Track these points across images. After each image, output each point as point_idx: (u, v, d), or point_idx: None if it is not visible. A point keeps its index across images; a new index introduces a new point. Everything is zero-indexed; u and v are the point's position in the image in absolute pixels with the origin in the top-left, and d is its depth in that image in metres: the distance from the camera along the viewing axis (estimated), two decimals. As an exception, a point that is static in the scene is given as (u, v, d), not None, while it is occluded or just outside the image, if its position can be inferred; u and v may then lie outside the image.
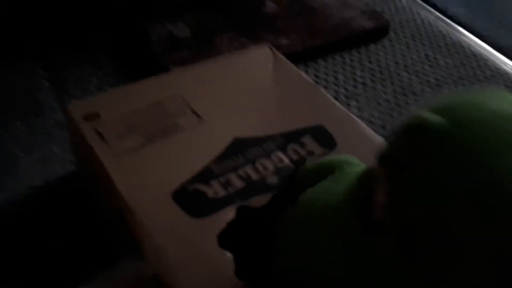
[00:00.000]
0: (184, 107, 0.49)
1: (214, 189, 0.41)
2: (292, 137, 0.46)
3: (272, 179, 0.42)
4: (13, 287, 0.45)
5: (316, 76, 0.75)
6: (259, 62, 0.56)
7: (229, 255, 0.36)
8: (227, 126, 0.47)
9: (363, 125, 0.49)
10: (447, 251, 0.22)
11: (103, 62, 0.72)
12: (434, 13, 0.95)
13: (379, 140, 0.47)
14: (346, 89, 0.75)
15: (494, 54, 0.86)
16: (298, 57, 0.70)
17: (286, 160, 0.43)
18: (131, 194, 0.40)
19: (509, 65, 0.83)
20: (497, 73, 0.80)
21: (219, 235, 0.37)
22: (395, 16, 0.90)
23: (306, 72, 0.74)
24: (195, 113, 0.48)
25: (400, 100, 0.74)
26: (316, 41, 0.77)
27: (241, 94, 0.52)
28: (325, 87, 0.73)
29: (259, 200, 0.39)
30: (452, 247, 0.21)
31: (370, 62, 0.81)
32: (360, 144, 0.45)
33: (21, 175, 0.55)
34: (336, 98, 0.67)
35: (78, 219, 0.50)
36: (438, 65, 0.82)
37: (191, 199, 0.40)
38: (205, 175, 0.42)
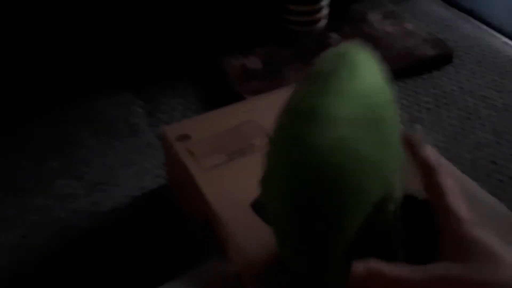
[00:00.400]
0: (259, 130, 0.57)
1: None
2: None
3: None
4: (112, 280, 0.54)
5: (380, 102, 0.79)
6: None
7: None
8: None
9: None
10: None
11: (186, 92, 0.82)
12: (500, 38, 0.96)
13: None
14: (410, 114, 0.78)
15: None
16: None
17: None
18: (217, 203, 0.47)
19: None
20: None
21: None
22: (459, 43, 0.92)
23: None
24: (268, 135, 0.55)
25: (465, 125, 0.76)
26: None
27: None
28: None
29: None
30: None
31: (434, 88, 0.83)
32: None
33: (121, 186, 0.65)
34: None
35: (168, 224, 0.58)
36: (505, 89, 0.82)
37: (265, 208, 0.46)
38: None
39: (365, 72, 0.38)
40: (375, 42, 0.86)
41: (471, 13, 1.00)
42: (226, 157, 0.53)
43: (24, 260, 0.57)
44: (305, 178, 0.35)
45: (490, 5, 0.98)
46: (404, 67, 0.82)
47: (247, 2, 0.99)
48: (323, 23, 0.89)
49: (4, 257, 0.57)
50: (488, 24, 0.98)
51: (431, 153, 0.42)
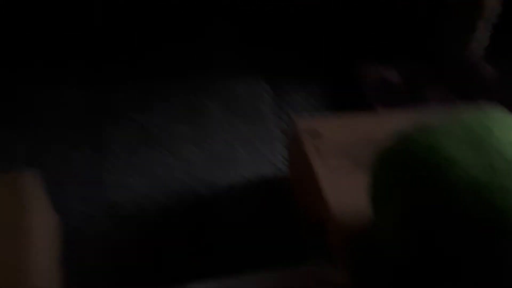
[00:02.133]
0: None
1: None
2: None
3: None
4: (211, 251, 0.56)
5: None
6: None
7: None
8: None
9: None
10: None
11: (315, 91, 0.82)
12: None
13: None
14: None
15: None
16: None
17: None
18: (336, 205, 0.46)
19: None
20: None
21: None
22: None
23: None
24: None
25: None
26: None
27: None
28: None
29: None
30: None
31: None
32: None
33: (239, 166, 0.68)
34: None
35: (277, 215, 0.59)
36: None
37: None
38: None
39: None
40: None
41: None
42: (353, 164, 0.52)
43: (146, 209, 0.62)
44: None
45: None
46: None
47: (395, 16, 0.96)
48: (477, 51, 0.83)
49: (130, 202, 0.63)
50: None
51: None
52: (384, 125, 0.58)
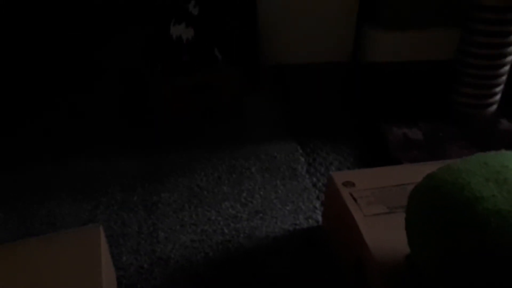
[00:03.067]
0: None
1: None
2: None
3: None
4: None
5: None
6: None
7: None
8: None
9: None
10: None
11: (345, 151, 0.90)
12: None
13: None
14: None
15: None
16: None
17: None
18: (374, 247, 0.51)
19: None
20: None
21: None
22: None
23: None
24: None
25: None
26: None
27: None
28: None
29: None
30: None
31: None
32: None
33: (277, 219, 0.74)
34: None
35: (315, 261, 0.64)
36: None
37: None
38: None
39: None
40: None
41: None
42: (387, 209, 0.57)
43: (194, 260, 0.68)
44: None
45: None
46: None
47: (413, 79, 1.05)
48: (494, 108, 0.89)
49: (179, 256, 0.69)
50: None
51: None
52: (411, 173, 0.64)
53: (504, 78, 0.87)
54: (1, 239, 0.72)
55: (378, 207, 0.57)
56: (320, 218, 0.73)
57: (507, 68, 0.87)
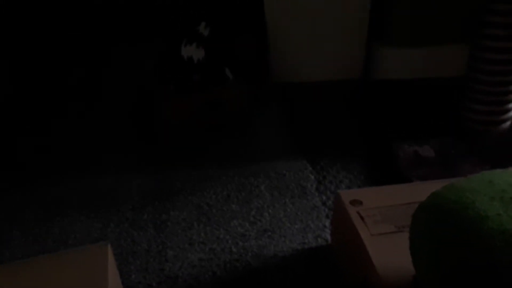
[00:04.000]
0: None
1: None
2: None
3: None
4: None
5: None
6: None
7: None
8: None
9: None
10: None
11: (355, 169, 0.89)
12: None
13: None
14: None
15: None
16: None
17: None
18: (380, 266, 0.50)
19: None
20: None
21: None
22: None
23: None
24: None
25: None
26: None
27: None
28: None
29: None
30: None
31: None
32: None
33: (286, 238, 0.73)
34: None
35: (320, 278, 0.63)
36: None
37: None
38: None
39: None
40: None
41: None
42: (395, 228, 0.56)
43: (202, 279, 0.68)
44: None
45: None
46: None
47: (423, 96, 1.05)
48: (507, 124, 0.88)
49: (188, 274, 0.69)
50: None
51: None
52: (420, 192, 0.63)
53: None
54: (15, 257, 0.74)
55: (386, 226, 0.56)
56: (329, 237, 0.72)
57: (519, 84, 0.86)
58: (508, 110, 0.87)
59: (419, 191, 0.64)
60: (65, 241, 0.76)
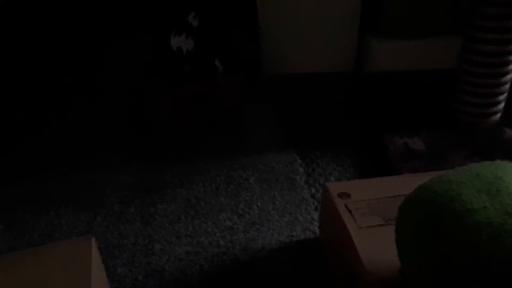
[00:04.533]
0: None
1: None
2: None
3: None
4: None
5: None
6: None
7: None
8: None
9: None
10: None
11: (344, 161, 0.88)
12: None
13: None
14: None
15: None
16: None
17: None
18: (367, 259, 0.49)
19: None
20: None
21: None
22: None
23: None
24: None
25: None
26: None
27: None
28: None
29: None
30: None
31: None
32: None
33: (274, 230, 0.73)
34: None
35: (310, 274, 0.62)
36: None
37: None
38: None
39: None
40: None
41: None
42: (383, 221, 0.55)
43: (189, 273, 0.67)
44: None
45: None
46: None
47: (415, 88, 1.04)
48: (497, 116, 0.88)
49: (174, 268, 0.68)
50: None
51: None
52: (409, 184, 0.62)
53: (507, 86, 0.86)
54: (0, 250, 0.72)
55: (374, 218, 0.56)
56: (317, 230, 0.71)
57: (510, 76, 0.85)
58: (498, 102, 0.86)
59: (408, 183, 0.63)
60: (50, 234, 0.75)
